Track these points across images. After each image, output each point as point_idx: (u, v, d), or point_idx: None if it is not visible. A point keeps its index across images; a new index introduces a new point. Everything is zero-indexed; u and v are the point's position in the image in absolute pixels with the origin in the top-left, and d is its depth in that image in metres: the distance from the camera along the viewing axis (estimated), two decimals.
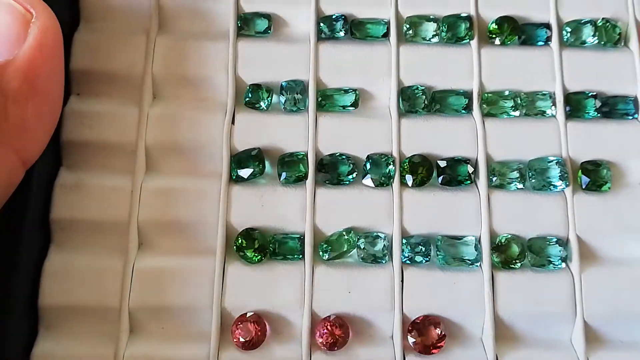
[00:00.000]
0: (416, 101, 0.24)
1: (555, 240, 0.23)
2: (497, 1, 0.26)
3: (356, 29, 0.25)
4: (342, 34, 0.25)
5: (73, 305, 0.22)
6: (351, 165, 0.23)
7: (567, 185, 0.23)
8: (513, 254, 0.23)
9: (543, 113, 0.25)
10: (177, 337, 0.22)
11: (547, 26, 0.25)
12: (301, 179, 0.23)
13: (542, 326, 0.23)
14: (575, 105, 0.25)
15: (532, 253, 0.23)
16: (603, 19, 0.25)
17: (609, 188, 0.24)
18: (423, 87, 0.25)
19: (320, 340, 0.22)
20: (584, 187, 0.24)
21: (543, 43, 0.25)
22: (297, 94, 0.24)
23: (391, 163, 0.23)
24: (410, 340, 0.22)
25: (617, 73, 0.25)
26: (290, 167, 0.23)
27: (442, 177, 0.24)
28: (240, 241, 0.23)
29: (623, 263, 0.23)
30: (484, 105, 0.24)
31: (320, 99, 0.24)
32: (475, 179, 0.24)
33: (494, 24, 0.25)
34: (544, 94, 0.25)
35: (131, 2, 0.25)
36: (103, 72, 0.24)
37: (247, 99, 0.24)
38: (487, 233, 0.23)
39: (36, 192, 0.22)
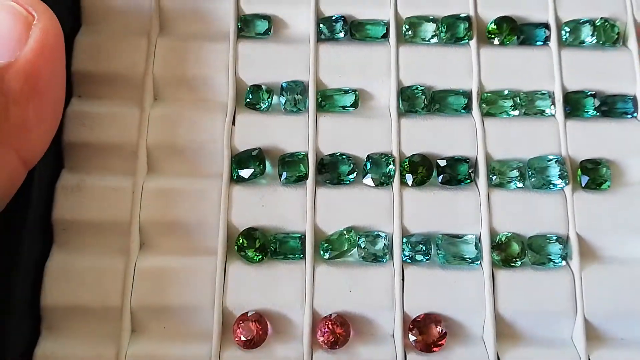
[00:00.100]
0: (416, 101, 0.24)
1: (555, 238, 0.23)
2: (495, 1, 0.26)
3: (356, 29, 0.25)
4: (341, 34, 0.25)
5: (75, 305, 0.22)
6: (351, 165, 0.24)
7: (566, 184, 0.24)
8: (513, 252, 0.23)
9: (542, 112, 0.25)
10: (178, 337, 0.22)
11: (546, 26, 0.26)
12: (302, 178, 0.23)
13: (542, 324, 0.23)
14: (574, 104, 0.25)
15: (532, 251, 0.23)
16: (601, 18, 0.25)
17: (609, 186, 0.24)
18: (423, 87, 0.25)
19: (322, 338, 0.22)
20: (583, 185, 0.24)
21: (542, 43, 0.26)
22: (297, 94, 0.24)
23: (391, 162, 0.24)
24: (411, 338, 0.22)
25: (616, 72, 0.25)
26: (290, 167, 0.23)
27: (442, 176, 0.24)
28: (241, 241, 0.23)
29: (623, 261, 0.23)
30: (484, 105, 0.25)
31: (320, 99, 0.24)
32: (475, 178, 0.24)
33: (492, 24, 0.25)
34: (543, 94, 0.25)
35: (132, 4, 0.25)
36: (104, 74, 0.24)
37: (248, 99, 0.24)
38: (487, 231, 0.23)
39: (37, 194, 0.22)
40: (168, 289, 0.22)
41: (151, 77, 0.24)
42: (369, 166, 0.24)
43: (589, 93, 0.25)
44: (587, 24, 0.25)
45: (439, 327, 0.22)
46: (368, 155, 0.24)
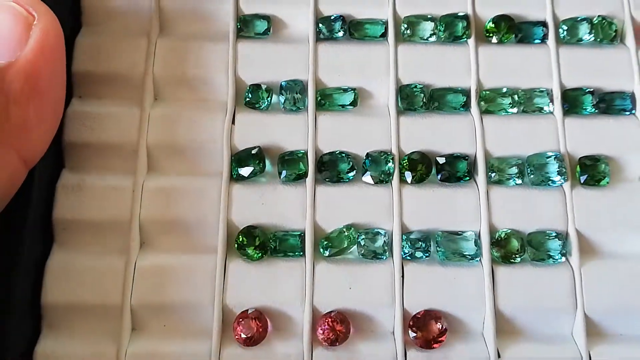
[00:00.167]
0: (415, 99, 0.25)
1: (554, 234, 0.23)
2: (493, 0, 0.26)
3: (354, 29, 0.25)
4: (340, 34, 0.25)
5: (76, 304, 0.22)
6: (351, 162, 0.24)
7: (565, 180, 0.24)
8: (513, 248, 0.23)
9: (541, 110, 0.25)
10: (179, 334, 0.22)
11: (544, 24, 0.26)
12: (301, 177, 0.24)
13: (542, 320, 0.23)
14: (572, 101, 0.25)
15: (531, 247, 0.23)
16: (599, 16, 0.26)
17: (608, 183, 0.24)
18: (421, 86, 0.25)
19: (322, 336, 0.22)
20: (582, 182, 0.24)
21: (540, 41, 0.26)
22: (296, 93, 0.24)
23: (390, 160, 0.24)
24: (411, 335, 0.22)
25: (614, 69, 0.25)
26: (290, 165, 0.24)
27: (441, 173, 0.24)
28: (241, 239, 0.23)
29: (622, 256, 0.23)
30: (482, 103, 0.25)
31: (319, 98, 0.25)
32: (474, 175, 0.24)
33: (490, 22, 0.26)
34: (542, 91, 0.25)
35: (132, 4, 0.25)
36: (105, 74, 0.25)
37: (247, 99, 0.25)
38: (487, 228, 0.23)
39: (38, 193, 0.22)
40: (168, 287, 0.22)
41: (151, 77, 0.25)
42: (368, 164, 0.24)
43: (587, 90, 0.25)
44: (585, 21, 0.25)
45: (439, 323, 0.22)
46: (367, 153, 0.24)
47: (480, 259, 0.23)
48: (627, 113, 0.25)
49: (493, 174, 0.24)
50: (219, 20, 0.26)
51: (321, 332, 0.22)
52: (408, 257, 0.23)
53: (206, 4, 0.26)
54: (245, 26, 0.25)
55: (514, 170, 0.24)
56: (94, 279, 0.22)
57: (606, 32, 0.25)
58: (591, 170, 0.24)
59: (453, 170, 0.24)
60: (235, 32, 0.25)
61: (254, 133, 0.24)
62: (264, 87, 0.25)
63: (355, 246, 0.23)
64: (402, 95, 0.25)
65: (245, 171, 0.23)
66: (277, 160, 0.24)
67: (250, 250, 0.23)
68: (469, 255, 0.23)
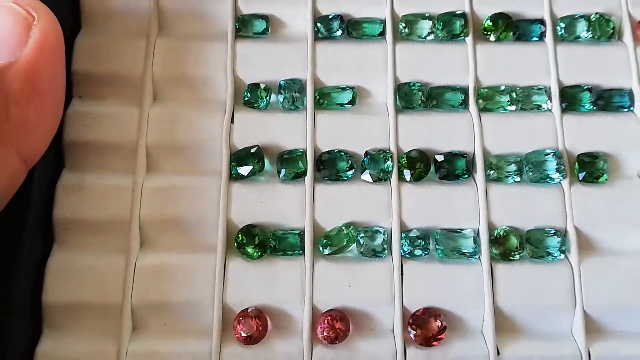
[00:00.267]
0: (413, 97, 0.25)
1: (553, 231, 0.23)
2: None
3: (352, 28, 0.26)
4: (338, 33, 0.25)
5: (76, 303, 0.22)
6: (350, 161, 0.24)
7: (564, 178, 0.24)
8: (511, 245, 0.23)
9: (539, 107, 0.25)
10: (179, 333, 0.22)
11: (541, 22, 0.26)
12: (300, 175, 0.24)
13: (542, 317, 0.23)
14: (570, 98, 0.25)
15: (530, 245, 0.23)
16: (597, 13, 0.26)
17: (606, 180, 0.24)
18: (420, 84, 0.25)
19: (322, 334, 0.22)
20: (581, 179, 0.24)
21: (537, 38, 0.26)
22: (295, 92, 0.25)
23: (389, 159, 0.24)
24: (411, 332, 0.22)
25: (612, 66, 0.25)
26: (289, 164, 0.24)
27: (439, 171, 0.24)
28: (240, 238, 0.23)
29: (621, 253, 0.23)
30: (480, 101, 0.25)
31: (318, 97, 0.25)
32: (472, 173, 0.24)
33: (488, 20, 0.26)
34: (540, 88, 0.25)
35: (131, 5, 0.25)
36: (104, 75, 0.25)
37: (246, 98, 0.25)
38: (486, 226, 0.23)
39: (38, 193, 0.22)
40: (168, 286, 0.22)
41: (150, 77, 0.25)
42: (367, 162, 0.24)
43: (585, 87, 0.25)
44: (582, 19, 0.25)
45: (439, 321, 0.22)
46: (366, 152, 0.24)
47: (479, 257, 0.23)
48: (625, 110, 0.25)
49: (492, 172, 0.24)
50: (218, 20, 0.26)
51: (321, 330, 0.22)
52: (407, 255, 0.23)
53: (205, 4, 0.26)
54: (243, 26, 0.25)
55: (513, 167, 0.24)
56: (94, 279, 0.22)
57: (604, 29, 0.25)
58: (590, 167, 0.24)
59: (452, 168, 0.24)
60: (234, 31, 0.25)
61: (253, 132, 0.24)
62: (262, 86, 0.25)
63: (354, 244, 0.23)
64: (400, 94, 0.25)
65: (244, 170, 0.23)
66: (276, 159, 0.24)
67: (249, 249, 0.23)
68: (468, 252, 0.23)
